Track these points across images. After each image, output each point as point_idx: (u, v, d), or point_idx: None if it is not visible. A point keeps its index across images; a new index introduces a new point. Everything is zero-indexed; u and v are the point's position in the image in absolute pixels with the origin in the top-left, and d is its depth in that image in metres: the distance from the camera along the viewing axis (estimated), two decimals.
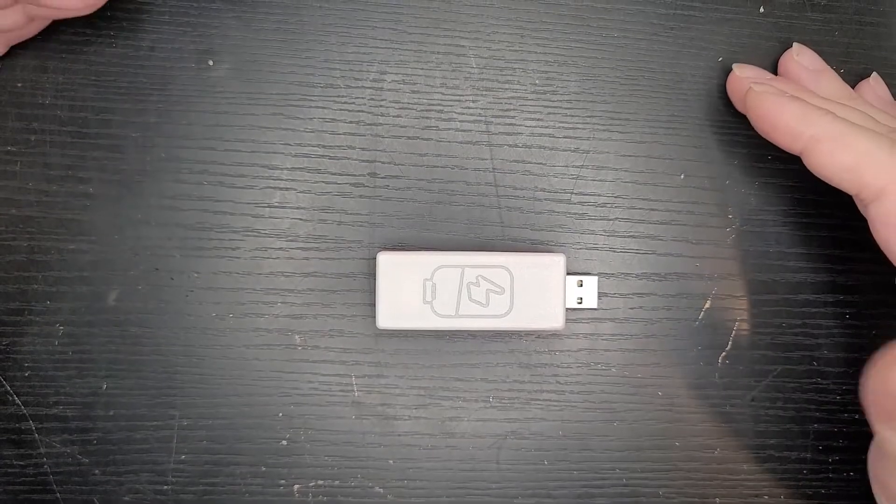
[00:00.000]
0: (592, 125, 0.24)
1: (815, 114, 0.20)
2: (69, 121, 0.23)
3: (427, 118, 0.24)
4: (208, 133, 0.24)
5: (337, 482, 0.24)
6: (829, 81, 0.23)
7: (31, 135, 0.23)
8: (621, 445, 0.24)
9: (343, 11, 0.24)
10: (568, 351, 0.24)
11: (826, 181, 0.21)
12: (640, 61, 0.24)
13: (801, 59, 0.23)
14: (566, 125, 0.24)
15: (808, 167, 0.21)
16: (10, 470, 0.23)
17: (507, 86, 0.24)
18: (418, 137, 0.24)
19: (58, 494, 0.24)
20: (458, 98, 0.24)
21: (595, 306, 0.24)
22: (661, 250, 0.24)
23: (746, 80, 0.23)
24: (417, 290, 0.22)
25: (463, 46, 0.24)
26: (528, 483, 0.24)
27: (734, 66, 0.24)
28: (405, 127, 0.24)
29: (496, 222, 0.24)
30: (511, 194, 0.24)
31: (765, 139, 0.24)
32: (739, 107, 0.23)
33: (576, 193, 0.24)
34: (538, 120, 0.24)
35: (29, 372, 0.23)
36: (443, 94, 0.24)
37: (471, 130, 0.24)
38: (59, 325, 0.23)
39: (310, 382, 0.24)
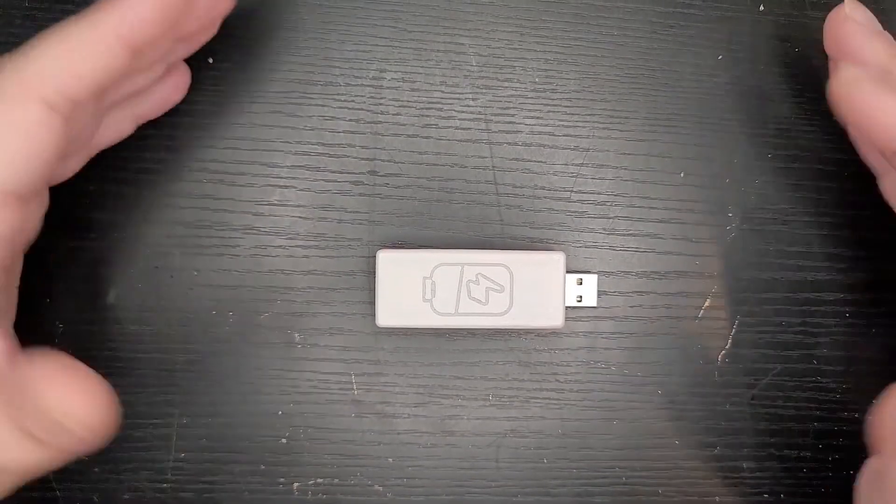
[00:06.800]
0: (592, 123, 0.24)
1: None
2: None
3: (427, 116, 0.24)
4: (208, 131, 0.24)
5: (336, 480, 0.24)
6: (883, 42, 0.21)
7: None
8: (621, 444, 0.24)
9: (343, 9, 0.24)
10: (567, 349, 0.24)
11: None
12: (639, 59, 0.24)
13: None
14: (566, 123, 0.24)
15: None
16: None
17: (506, 84, 0.24)
18: (418, 135, 0.24)
19: (57, 492, 0.24)
20: (457, 96, 0.24)
21: (595, 304, 0.24)
22: (660, 248, 0.24)
23: (856, 24, 0.20)
24: (417, 288, 0.22)
25: (463, 44, 0.24)
26: (527, 481, 0.24)
27: (847, 2, 0.21)
28: (405, 125, 0.24)
29: (496, 220, 0.24)
30: (511, 192, 0.24)
31: (763, 138, 0.24)
32: (833, 50, 0.21)
33: (575, 191, 0.24)
34: (538, 118, 0.24)
35: None
36: (442, 92, 0.24)
37: (470, 128, 0.24)
38: (59, 323, 0.23)
39: (309, 381, 0.24)
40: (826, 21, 0.21)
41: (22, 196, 0.18)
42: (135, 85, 0.21)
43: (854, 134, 0.22)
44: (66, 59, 0.17)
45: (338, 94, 0.24)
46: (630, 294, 0.24)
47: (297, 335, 0.24)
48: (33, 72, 0.17)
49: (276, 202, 0.24)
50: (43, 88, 0.17)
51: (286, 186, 0.24)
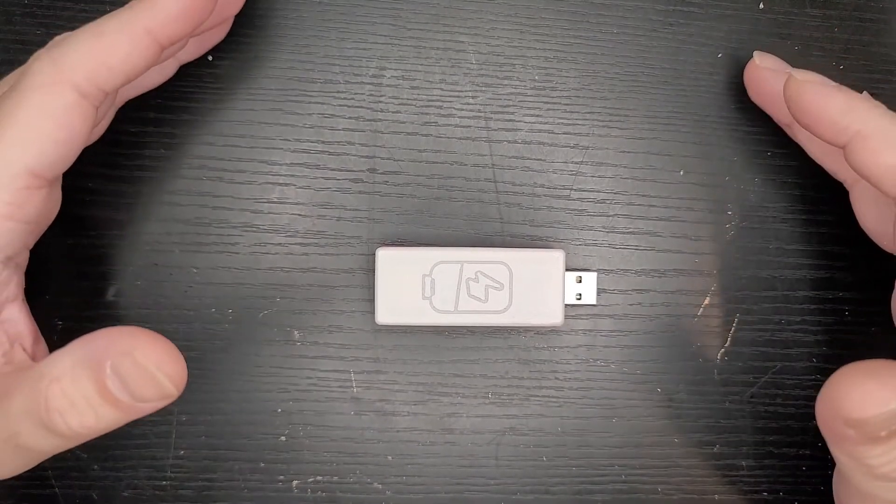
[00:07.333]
0: (592, 121, 0.24)
1: (863, 106, 0.19)
2: None
3: (426, 114, 0.24)
4: (207, 129, 0.24)
5: (336, 478, 0.24)
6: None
7: None
8: (620, 442, 0.24)
9: (342, 7, 0.24)
10: (567, 347, 0.24)
11: (864, 179, 0.19)
12: (639, 57, 0.24)
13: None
14: (565, 121, 0.24)
15: (849, 164, 0.19)
16: None
17: (506, 82, 0.24)
18: (417, 133, 0.24)
19: (56, 489, 0.24)
20: (457, 94, 0.24)
21: (594, 302, 0.24)
22: (660, 247, 0.24)
23: (768, 71, 0.22)
24: (416, 286, 0.22)
25: (462, 42, 0.24)
26: (526, 479, 0.24)
27: (755, 53, 0.23)
28: (404, 123, 0.24)
29: (495, 218, 0.24)
30: (510, 190, 0.24)
31: (763, 136, 0.24)
32: (755, 97, 0.23)
33: (575, 189, 0.24)
34: (537, 116, 0.24)
35: None
36: (442, 89, 0.24)
37: (470, 126, 0.24)
38: (58, 321, 0.23)
39: (308, 378, 0.24)
40: (744, 75, 0.23)
41: (49, 179, 0.19)
42: (150, 81, 0.22)
43: (811, 143, 0.23)
44: (100, 51, 0.18)
45: (337, 92, 0.24)
46: (629, 292, 0.24)
47: (296, 333, 0.24)
48: (68, 62, 0.18)
49: (275, 200, 0.24)
50: (76, 77, 0.18)
51: (285, 184, 0.24)
